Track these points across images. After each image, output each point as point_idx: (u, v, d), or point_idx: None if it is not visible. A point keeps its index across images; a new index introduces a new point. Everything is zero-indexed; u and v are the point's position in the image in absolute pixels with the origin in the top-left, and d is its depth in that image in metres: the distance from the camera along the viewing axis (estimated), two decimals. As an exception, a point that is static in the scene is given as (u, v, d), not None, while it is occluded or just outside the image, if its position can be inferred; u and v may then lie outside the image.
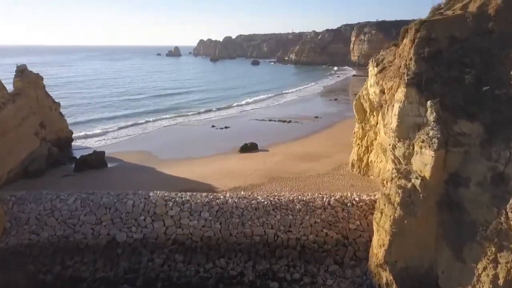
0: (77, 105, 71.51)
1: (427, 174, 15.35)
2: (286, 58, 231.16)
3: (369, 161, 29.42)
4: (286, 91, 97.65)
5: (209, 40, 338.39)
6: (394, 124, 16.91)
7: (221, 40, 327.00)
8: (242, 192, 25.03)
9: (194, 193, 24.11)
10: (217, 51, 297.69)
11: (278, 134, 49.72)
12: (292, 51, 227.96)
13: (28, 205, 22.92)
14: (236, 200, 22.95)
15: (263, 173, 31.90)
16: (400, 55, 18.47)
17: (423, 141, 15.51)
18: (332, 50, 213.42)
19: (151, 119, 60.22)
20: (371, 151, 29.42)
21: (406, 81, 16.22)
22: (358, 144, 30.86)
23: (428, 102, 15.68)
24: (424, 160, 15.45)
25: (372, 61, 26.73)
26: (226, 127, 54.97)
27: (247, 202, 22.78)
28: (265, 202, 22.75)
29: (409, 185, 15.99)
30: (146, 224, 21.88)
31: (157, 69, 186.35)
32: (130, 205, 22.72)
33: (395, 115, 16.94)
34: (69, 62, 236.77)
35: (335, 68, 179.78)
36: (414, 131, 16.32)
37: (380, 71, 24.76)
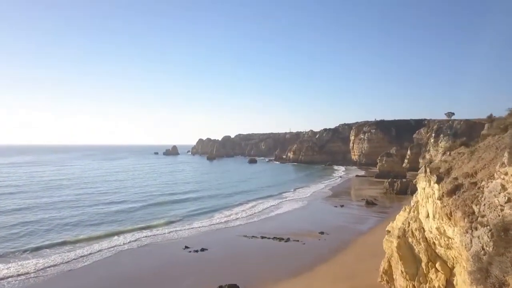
0: (34, 222, 54.82)
1: None
2: (284, 157, 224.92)
3: None
4: (285, 196, 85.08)
5: (208, 139, 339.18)
6: None
7: (219, 139, 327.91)
8: None
9: None
10: (214, 150, 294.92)
11: (271, 263, 35.89)
12: (290, 150, 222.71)
13: None
14: None
15: None
16: None
17: None
18: (331, 149, 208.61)
19: (111, 241, 45.18)
20: (435, 336, 15.78)
21: None
22: (409, 318, 17.29)
23: None
24: None
25: (427, 171, 14.91)
26: (202, 250, 41.16)
27: None
28: None
29: None
30: None
31: (150, 169, 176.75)
32: None
33: None
34: (61, 161, 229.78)
35: (336, 168, 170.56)
36: None
37: (451, 193, 12.80)
